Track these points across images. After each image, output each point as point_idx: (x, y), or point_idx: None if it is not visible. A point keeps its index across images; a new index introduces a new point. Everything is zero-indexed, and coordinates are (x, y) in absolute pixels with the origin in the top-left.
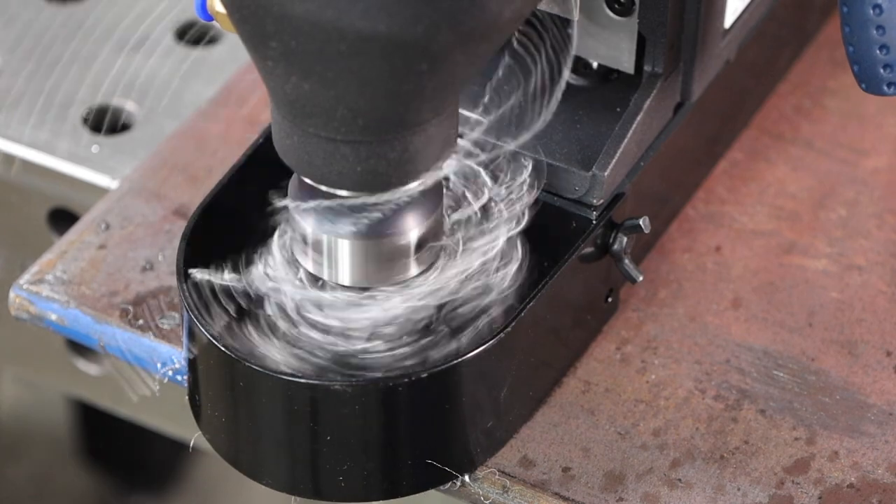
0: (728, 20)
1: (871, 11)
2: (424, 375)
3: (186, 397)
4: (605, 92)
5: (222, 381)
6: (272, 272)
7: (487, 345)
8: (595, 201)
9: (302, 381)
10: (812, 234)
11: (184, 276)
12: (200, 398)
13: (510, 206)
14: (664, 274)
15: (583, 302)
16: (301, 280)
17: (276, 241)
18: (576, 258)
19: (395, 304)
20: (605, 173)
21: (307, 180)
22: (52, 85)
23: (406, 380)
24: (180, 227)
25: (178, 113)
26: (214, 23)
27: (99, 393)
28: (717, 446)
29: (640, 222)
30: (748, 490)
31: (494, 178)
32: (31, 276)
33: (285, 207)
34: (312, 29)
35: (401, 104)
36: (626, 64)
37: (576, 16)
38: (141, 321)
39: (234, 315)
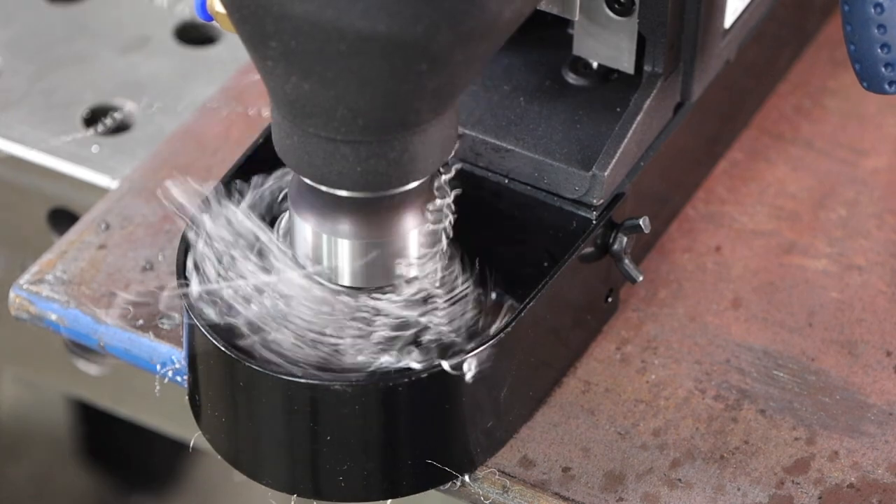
0: (728, 20)
1: (873, 10)
2: (424, 375)
3: (186, 397)
4: (605, 92)
5: (222, 381)
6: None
7: (487, 345)
8: (595, 201)
9: (302, 381)
10: (812, 234)
11: (184, 276)
12: (200, 398)
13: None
14: (664, 274)
15: (583, 302)
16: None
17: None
18: (576, 258)
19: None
20: (605, 173)
21: (307, 180)
22: (52, 85)
23: (406, 380)
24: (180, 227)
25: (178, 113)
26: (214, 23)
27: (99, 393)
28: (717, 446)
29: (640, 222)
30: (748, 490)
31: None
32: (31, 276)
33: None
34: (312, 29)
35: (401, 104)
36: (626, 64)
37: (576, 16)
38: (141, 321)
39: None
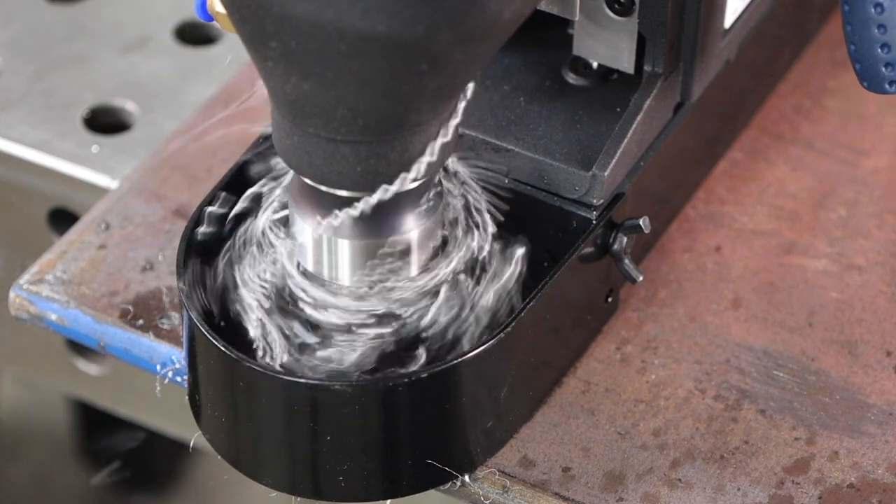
0: (728, 20)
1: (873, 10)
2: (424, 375)
3: (186, 397)
4: (605, 92)
5: (222, 381)
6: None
7: (487, 345)
8: (595, 201)
9: (302, 381)
10: (812, 234)
11: (184, 276)
12: (200, 398)
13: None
14: (664, 274)
15: (583, 302)
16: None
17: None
18: (576, 258)
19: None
20: (605, 173)
21: (307, 180)
22: (52, 85)
23: (406, 380)
24: (180, 227)
25: (178, 113)
26: (214, 23)
27: (99, 393)
28: (717, 446)
29: (640, 222)
30: (748, 490)
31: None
32: (31, 276)
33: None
34: (312, 29)
35: (401, 104)
36: (626, 64)
37: (576, 16)
38: (141, 321)
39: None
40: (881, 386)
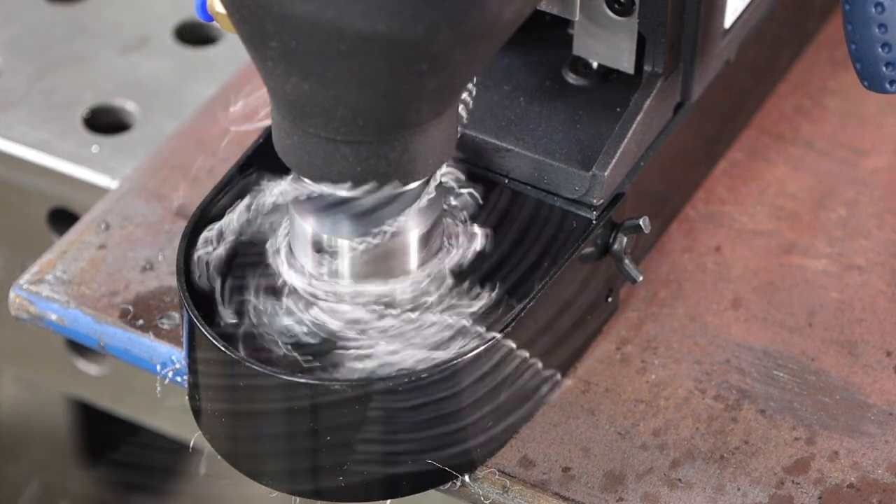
0: (728, 20)
1: (874, 10)
2: (424, 375)
3: (186, 397)
4: (605, 92)
5: (222, 381)
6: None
7: (487, 345)
8: (595, 201)
9: (302, 381)
10: (812, 234)
11: (184, 276)
12: (200, 398)
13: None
14: (664, 274)
15: (583, 302)
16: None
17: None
18: (576, 258)
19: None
20: (605, 173)
21: (307, 180)
22: (52, 85)
23: (406, 380)
24: (180, 227)
25: (178, 113)
26: (214, 23)
27: (99, 393)
28: (717, 446)
29: (640, 222)
30: (748, 490)
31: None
32: (31, 276)
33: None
34: (312, 29)
35: (401, 104)
36: (626, 64)
37: (576, 16)
38: (141, 321)
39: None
40: (881, 386)
